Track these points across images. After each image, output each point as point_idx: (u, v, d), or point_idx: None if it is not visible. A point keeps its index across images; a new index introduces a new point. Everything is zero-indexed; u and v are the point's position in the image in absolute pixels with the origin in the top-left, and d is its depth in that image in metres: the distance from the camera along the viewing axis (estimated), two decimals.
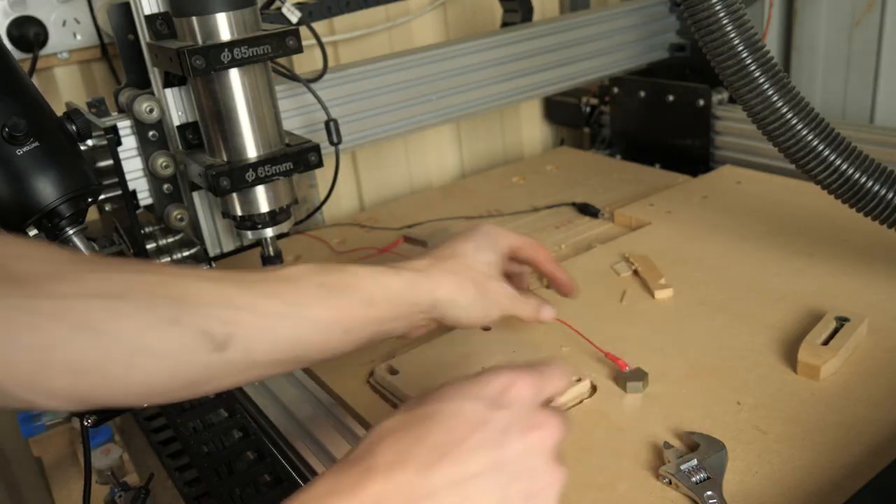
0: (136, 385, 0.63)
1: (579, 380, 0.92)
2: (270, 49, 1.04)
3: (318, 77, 1.31)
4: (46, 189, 0.66)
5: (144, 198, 1.23)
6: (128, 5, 1.15)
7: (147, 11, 1.11)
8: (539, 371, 0.62)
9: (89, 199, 0.69)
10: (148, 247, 1.23)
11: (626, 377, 0.94)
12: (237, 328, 0.67)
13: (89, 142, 1.10)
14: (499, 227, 0.94)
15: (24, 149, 0.64)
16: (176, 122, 1.17)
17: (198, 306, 0.65)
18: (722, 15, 0.90)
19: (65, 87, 1.55)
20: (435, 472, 0.54)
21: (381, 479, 0.53)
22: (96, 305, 0.60)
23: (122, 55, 1.20)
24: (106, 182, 1.14)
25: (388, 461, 0.54)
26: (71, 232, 0.69)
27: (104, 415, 0.71)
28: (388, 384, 0.97)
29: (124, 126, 1.18)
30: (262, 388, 0.98)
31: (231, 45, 1.01)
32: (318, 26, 1.32)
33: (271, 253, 1.16)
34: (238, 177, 1.06)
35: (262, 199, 1.10)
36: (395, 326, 0.82)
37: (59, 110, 0.69)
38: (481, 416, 0.57)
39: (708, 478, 0.76)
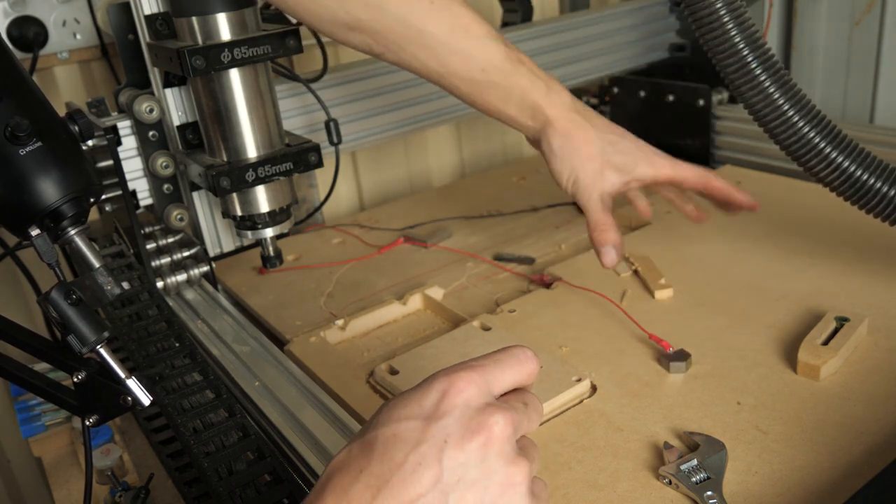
0: None
1: (579, 380, 0.93)
2: (270, 49, 1.04)
3: (319, 77, 1.31)
4: (49, 189, 0.66)
5: (144, 198, 1.23)
6: (128, 5, 1.15)
7: (147, 11, 1.11)
8: (483, 364, 0.59)
9: (91, 200, 0.69)
10: (148, 247, 1.24)
11: (670, 358, 0.95)
12: (390, 53, 1.00)
13: (89, 142, 1.11)
14: (659, 157, 1.05)
15: (27, 149, 0.64)
16: (176, 122, 1.18)
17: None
18: (723, 13, 0.90)
19: (65, 87, 1.55)
20: None
21: None
22: None
23: (122, 55, 1.20)
24: (106, 182, 1.14)
25: (336, 501, 0.54)
26: (73, 232, 0.68)
27: (105, 414, 0.71)
28: (388, 384, 0.97)
29: (124, 126, 1.18)
30: (262, 389, 0.98)
31: (231, 45, 1.01)
32: None
33: (271, 253, 1.16)
34: (238, 177, 1.06)
35: (262, 200, 1.11)
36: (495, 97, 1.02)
37: (59, 110, 0.69)
38: (417, 435, 0.55)
39: (708, 478, 0.76)
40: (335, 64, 1.54)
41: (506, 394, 0.60)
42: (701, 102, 1.63)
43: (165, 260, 1.26)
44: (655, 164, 1.03)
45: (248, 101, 1.07)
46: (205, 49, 1.00)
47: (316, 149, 1.11)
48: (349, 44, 0.99)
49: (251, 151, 1.09)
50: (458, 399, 0.56)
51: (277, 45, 1.05)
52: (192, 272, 1.25)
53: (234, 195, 1.10)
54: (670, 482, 0.77)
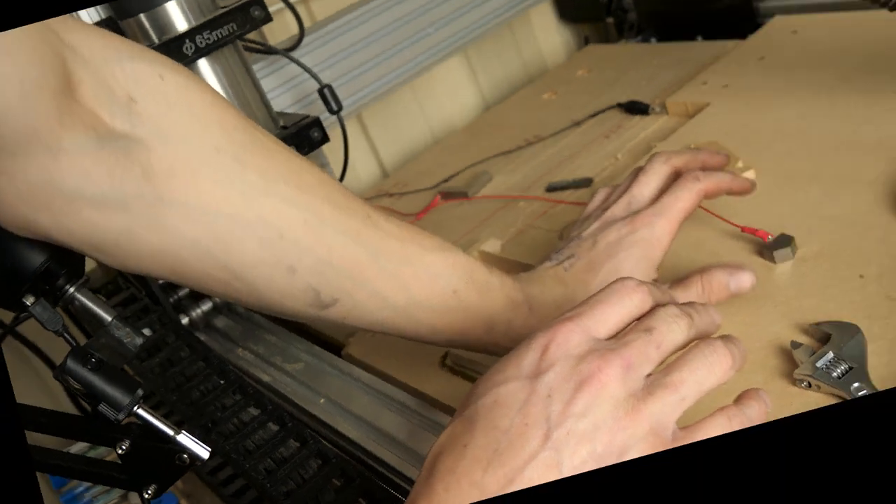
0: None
1: None
2: (236, 26, 1.03)
3: (297, 43, 1.30)
4: (34, 248, 0.66)
5: None
6: None
7: (89, 21, 1.10)
8: (580, 312, 0.61)
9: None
10: (159, 282, 1.23)
11: (772, 247, 0.93)
12: (347, 298, 0.78)
13: None
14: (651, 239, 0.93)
15: None
16: None
17: (319, 262, 0.76)
18: None
19: None
20: (488, 477, 0.55)
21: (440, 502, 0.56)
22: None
23: None
24: None
25: (444, 483, 0.56)
26: (72, 289, 0.68)
27: (163, 481, 0.71)
28: (467, 360, 0.97)
29: None
30: (329, 405, 0.98)
31: (191, 34, 1.01)
32: None
33: None
34: None
35: None
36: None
37: None
38: (520, 396, 0.57)
39: (850, 368, 0.74)
40: (311, 24, 1.53)
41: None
42: None
43: (183, 292, 1.25)
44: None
45: (227, 91, 1.06)
46: (163, 46, 0.99)
47: (316, 123, 1.10)
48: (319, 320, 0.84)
49: None
50: (558, 352, 0.58)
51: (243, 20, 1.04)
52: None
53: None
54: (809, 385, 0.75)
